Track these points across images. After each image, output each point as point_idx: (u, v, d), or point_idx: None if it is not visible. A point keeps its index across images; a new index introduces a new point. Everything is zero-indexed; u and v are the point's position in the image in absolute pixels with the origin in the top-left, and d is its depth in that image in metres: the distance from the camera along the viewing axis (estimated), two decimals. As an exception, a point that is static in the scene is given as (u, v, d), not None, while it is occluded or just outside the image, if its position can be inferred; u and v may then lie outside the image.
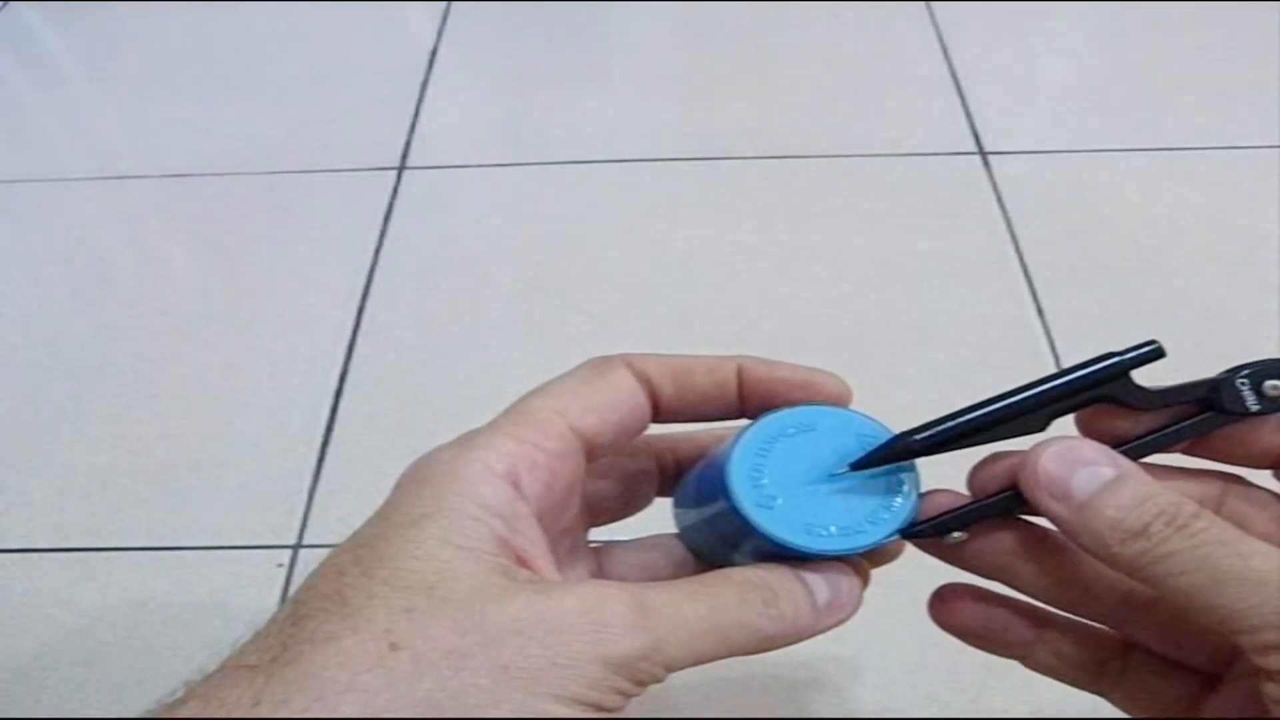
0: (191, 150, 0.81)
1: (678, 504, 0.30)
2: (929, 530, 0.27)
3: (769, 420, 0.26)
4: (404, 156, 0.79)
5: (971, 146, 0.76)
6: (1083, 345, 0.61)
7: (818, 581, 0.25)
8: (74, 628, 0.51)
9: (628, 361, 0.27)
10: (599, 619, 0.22)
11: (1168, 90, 0.81)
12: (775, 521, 0.25)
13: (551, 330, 0.65)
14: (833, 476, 0.26)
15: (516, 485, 0.24)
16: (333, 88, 0.86)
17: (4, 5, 0.99)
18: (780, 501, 0.25)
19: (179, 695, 0.21)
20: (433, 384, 0.62)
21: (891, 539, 0.26)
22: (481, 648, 0.21)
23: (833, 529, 0.25)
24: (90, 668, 0.50)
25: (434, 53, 0.90)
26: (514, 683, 0.20)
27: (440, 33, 0.92)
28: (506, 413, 0.26)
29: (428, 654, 0.20)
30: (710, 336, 0.63)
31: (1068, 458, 0.24)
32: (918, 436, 0.25)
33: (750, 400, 0.27)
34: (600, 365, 0.27)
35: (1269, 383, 0.25)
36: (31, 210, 0.76)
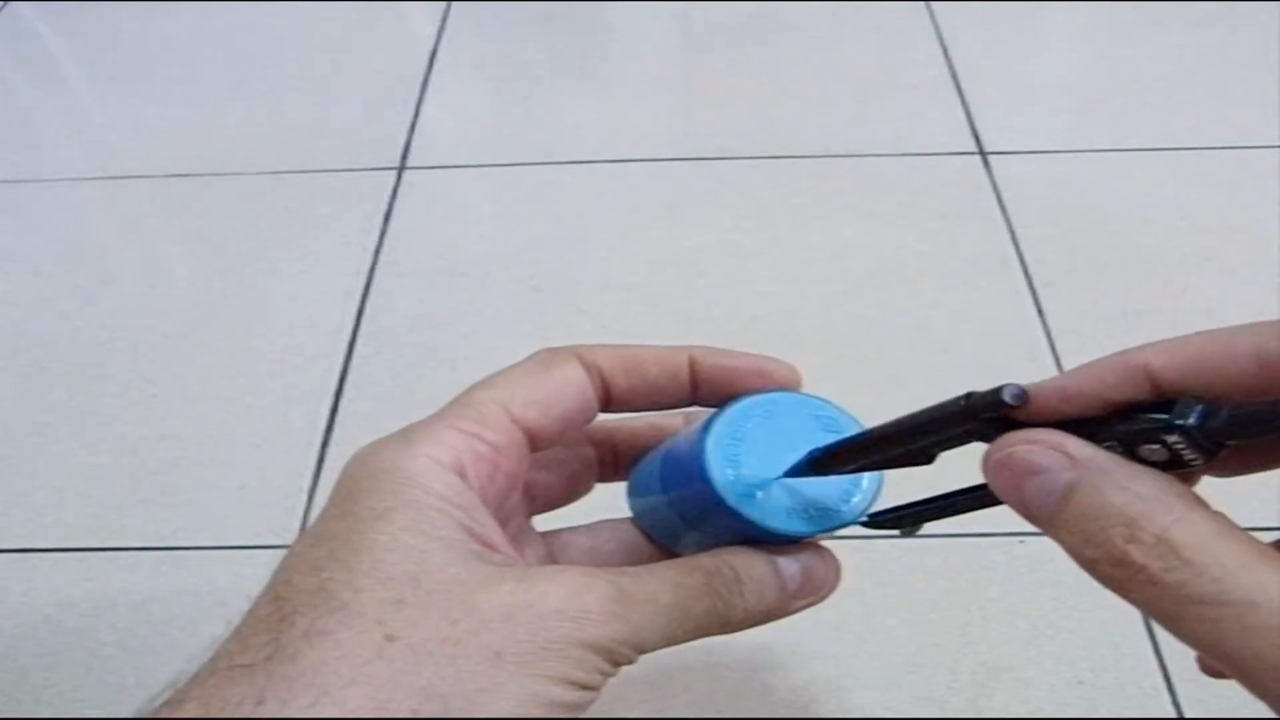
0: (191, 150, 0.81)
1: (636, 490, 0.30)
2: (889, 521, 0.27)
3: (736, 408, 0.27)
4: (404, 156, 0.79)
5: (971, 146, 0.76)
6: (1083, 345, 0.61)
7: (789, 565, 0.26)
8: (74, 628, 0.51)
9: (578, 353, 0.27)
10: (582, 606, 0.22)
11: (1168, 90, 0.81)
12: (758, 508, 0.25)
13: (551, 330, 0.65)
14: (797, 442, 0.26)
15: (463, 476, 0.24)
16: (333, 88, 0.86)
17: (4, 5, 0.99)
18: (757, 486, 0.26)
19: (168, 697, 0.21)
20: (433, 384, 0.62)
21: (858, 521, 0.27)
22: (474, 635, 0.21)
23: (809, 511, 0.26)
24: (90, 668, 0.50)
25: (434, 53, 0.90)
26: (508, 667, 0.21)
27: (440, 33, 0.92)
28: (451, 404, 0.26)
29: (423, 643, 0.21)
30: (710, 336, 0.63)
31: (1012, 466, 0.21)
32: (824, 452, 0.26)
33: (704, 389, 0.28)
34: (548, 357, 0.27)
35: (1146, 447, 0.20)
36: (31, 210, 0.76)
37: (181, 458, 0.59)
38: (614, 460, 0.31)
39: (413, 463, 0.24)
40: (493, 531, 0.24)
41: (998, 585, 0.50)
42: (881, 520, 0.27)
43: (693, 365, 0.28)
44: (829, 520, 0.26)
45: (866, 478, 0.27)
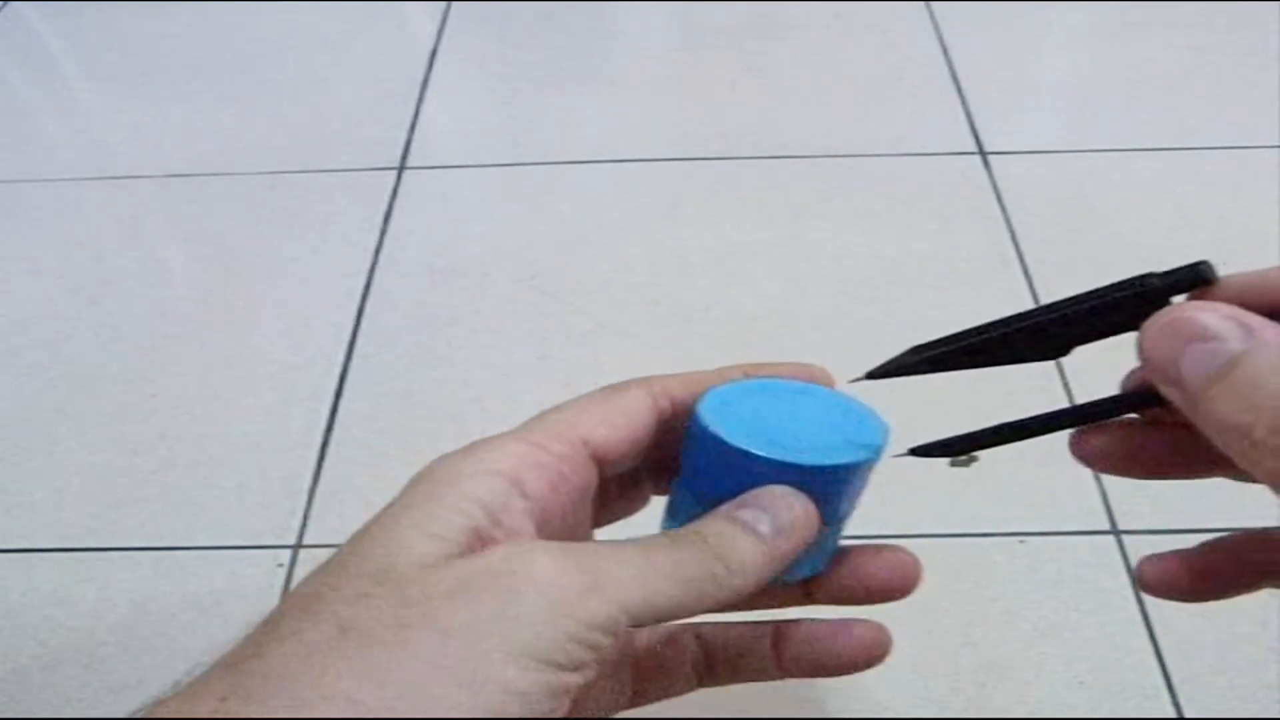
0: (191, 150, 0.81)
1: (671, 517, 0.30)
2: (938, 450, 0.26)
3: (729, 385, 0.27)
4: (404, 156, 0.79)
5: (971, 146, 0.76)
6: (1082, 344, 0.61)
7: (748, 512, 0.25)
8: (74, 628, 0.51)
9: (644, 383, 0.28)
10: (530, 564, 0.22)
11: (1168, 90, 0.81)
12: (752, 440, 0.25)
13: (551, 330, 0.65)
14: (800, 411, 0.26)
15: (519, 484, 0.24)
16: (333, 88, 0.86)
17: (4, 5, 0.99)
18: (754, 430, 0.26)
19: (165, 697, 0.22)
20: (433, 384, 0.62)
21: (868, 451, 0.26)
22: (422, 616, 0.21)
23: (823, 447, 0.26)
24: (90, 668, 0.50)
25: (434, 53, 0.90)
26: (457, 643, 0.20)
27: (440, 33, 0.92)
28: (521, 425, 0.27)
29: (374, 629, 0.21)
30: (710, 336, 0.63)
31: (1178, 331, 0.21)
32: (929, 348, 0.25)
33: None
34: (615, 386, 0.28)
35: None
36: (31, 210, 0.76)
37: (181, 458, 0.59)
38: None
39: (464, 465, 0.24)
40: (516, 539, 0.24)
41: (998, 585, 0.50)
42: (932, 448, 0.26)
43: (748, 378, 0.28)
44: (859, 448, 0.26)
45: (874, 424, 0.27)
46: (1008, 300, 0.64)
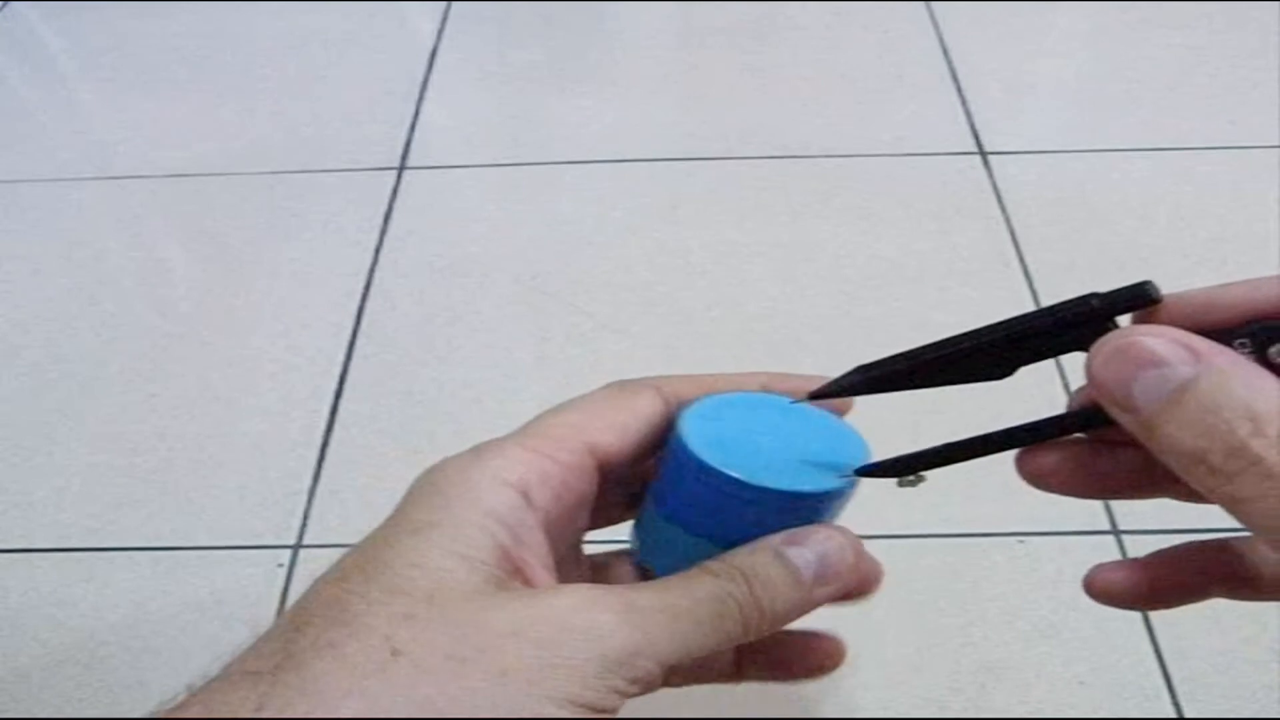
0: (191, 150, 0.81)
1: (644, 540, 0.29)
2: (884, 470, 0.26)
3: (695, 408, 0.26)
4: (404, 156, 0.79)
5: (971, 146, 0.76)
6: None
7: (800, 553, 0.25)
8: (74, 628, 0.51)
9: (655, 385, 0.27)
10: (591, 620, 0.22)
11: (1168, 90, 0.81)
12: (747, 470, 0.25)
13: (551, 330, 0.65)
14: (781, 430, 0.26)
15: (526, 495, 0.24)
16: (333, 88, 0.86)
17: (4, 5, 0.99)
18: (733, 451, 0.25)
19: (181, 699, 0.21)
20: (433, 384, 0.62)
21: (852, 478, 0.26)
22: (479, 652, 0.21)
23: (808, 469, 0.25)
24: (90, 668, 0.50)
25: (434, 53, 0.90)
26: (511, 685, 0.21)
27: (440, 33, 0.92)
28: (525, 426, 0.26)
29: (427, 659, 0.21)
30: (710, 336, 0.63)
31: (1128, 357, 0.21)
32: (874, 368, 0.25)
33: None
34: (625, 385, 0.27)
35: (1275, 347, 0.21)
36: (31, 210, 0.76)
37: (181, 458, 0.59)
38: None
39: (475, 474, 0.24)
40: (534, 555, 0.24)
41: (998, 585, 0.50)
42: (877, 469, 0.26)
43: (765, 390, 0.28)
44: (833, 474, 0.25)
45: (849, 431, 0.26)
46: (1008, 300, 0.64)
